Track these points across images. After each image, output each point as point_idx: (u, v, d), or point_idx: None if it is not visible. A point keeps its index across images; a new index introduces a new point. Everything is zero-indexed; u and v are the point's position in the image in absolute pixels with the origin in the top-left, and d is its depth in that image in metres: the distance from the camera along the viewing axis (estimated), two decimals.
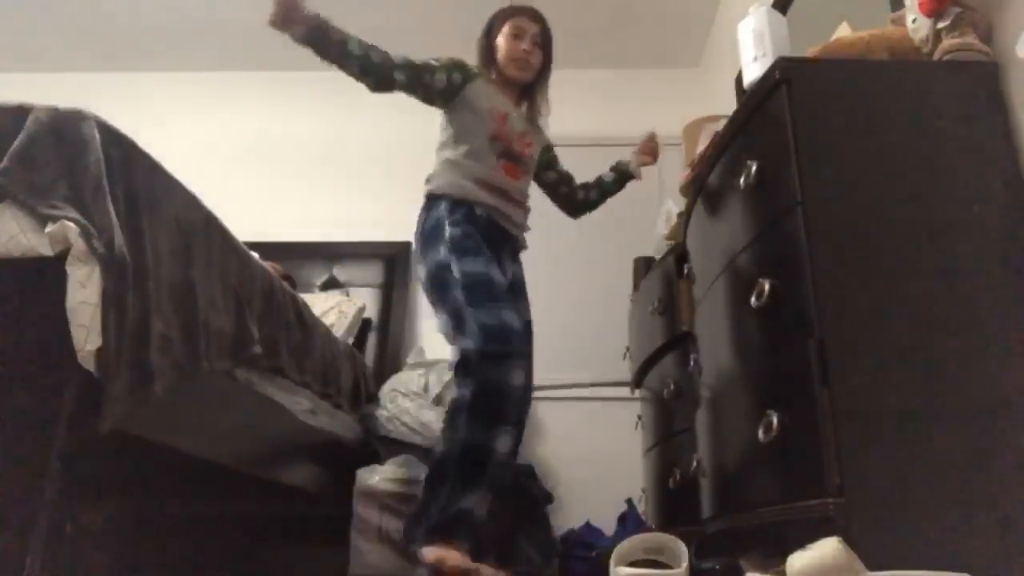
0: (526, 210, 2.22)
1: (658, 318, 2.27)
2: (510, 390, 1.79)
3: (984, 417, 1.10)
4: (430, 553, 1.66)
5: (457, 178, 2.06)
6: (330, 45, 2.02)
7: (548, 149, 2.42)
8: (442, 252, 1.95)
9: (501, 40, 2.20)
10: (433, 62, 2.08)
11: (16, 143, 1.14)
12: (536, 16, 2.23)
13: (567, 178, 2.48)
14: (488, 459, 1.75)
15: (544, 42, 2.23)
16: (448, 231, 1.97)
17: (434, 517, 1.72)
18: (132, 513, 1.57)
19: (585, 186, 2.50)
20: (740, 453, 1.39)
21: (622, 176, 2.49)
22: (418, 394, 2.74)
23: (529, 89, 2.27)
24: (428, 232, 2.03)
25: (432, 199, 2.08)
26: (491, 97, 2.14)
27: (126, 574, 1.49)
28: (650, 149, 2.47)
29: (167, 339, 1.31)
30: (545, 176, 2.44)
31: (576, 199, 2.49)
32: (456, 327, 1.88)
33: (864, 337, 1.14)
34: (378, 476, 2.40)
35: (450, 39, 2.44)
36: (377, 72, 2.05)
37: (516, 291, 2.16)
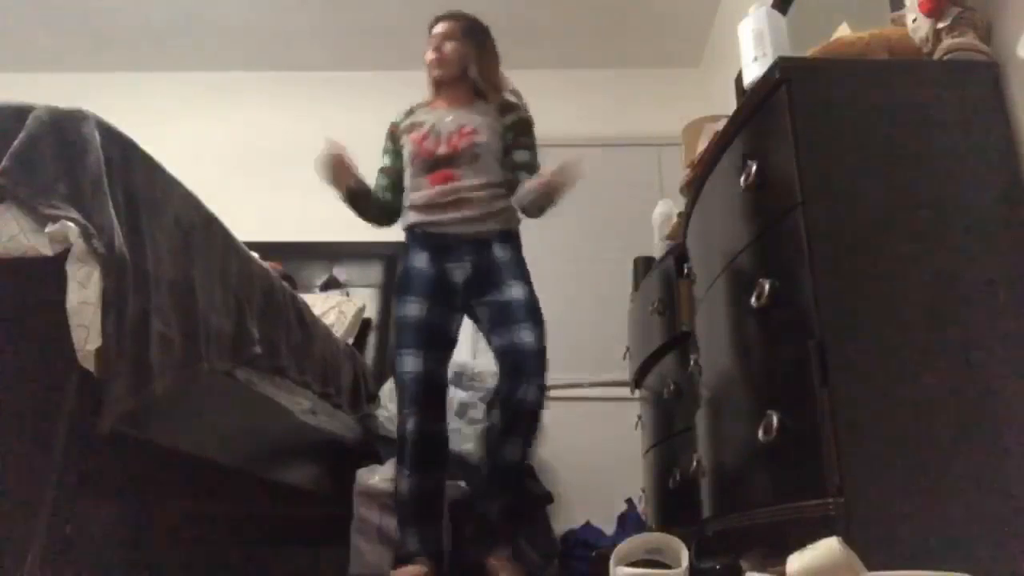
0: (479, 200, 2.13)
1: (658, 318, 2.27)
2: (404, 435, 2.01)
3: (984, 417, 1.10)
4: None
5: (404, 209, 2.25)
6: (361, 201, 2.29)
7: (510, 130, 2.24)
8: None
9: (427, 53, 2.30)
10: (381, 159, 2.35)
11: (16, 143, 1.14)
12: (448, 15, 2.29)
13: (515, 168, 2.23)
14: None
15: (460, 34, 2.25)
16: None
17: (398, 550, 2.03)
18: (132, 513, 1.57)
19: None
20: (740, 453, 1.39)
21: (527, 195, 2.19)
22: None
23: (472, 79, 2.27)
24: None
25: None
26: (412, 119, 2.28)
27: (126, 574, 1.49)
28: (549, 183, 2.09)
29: (167, 339, 1.31)
30: (508, 161, 2.25)
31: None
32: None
33: (864, 337, 1.14)
34: (378, 476, 2.40)
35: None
36: (389, 213, 2.33)
37: (489, 278, 2.12)
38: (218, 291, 1.54)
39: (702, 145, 2.13)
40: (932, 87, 1.30)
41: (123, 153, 1.27)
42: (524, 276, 2.15)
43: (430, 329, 2.08)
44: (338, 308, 3.11)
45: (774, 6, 2.25)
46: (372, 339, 3.38)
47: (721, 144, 1.52)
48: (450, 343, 2.16)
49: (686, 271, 1.94)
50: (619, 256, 3.11)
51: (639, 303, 2.56)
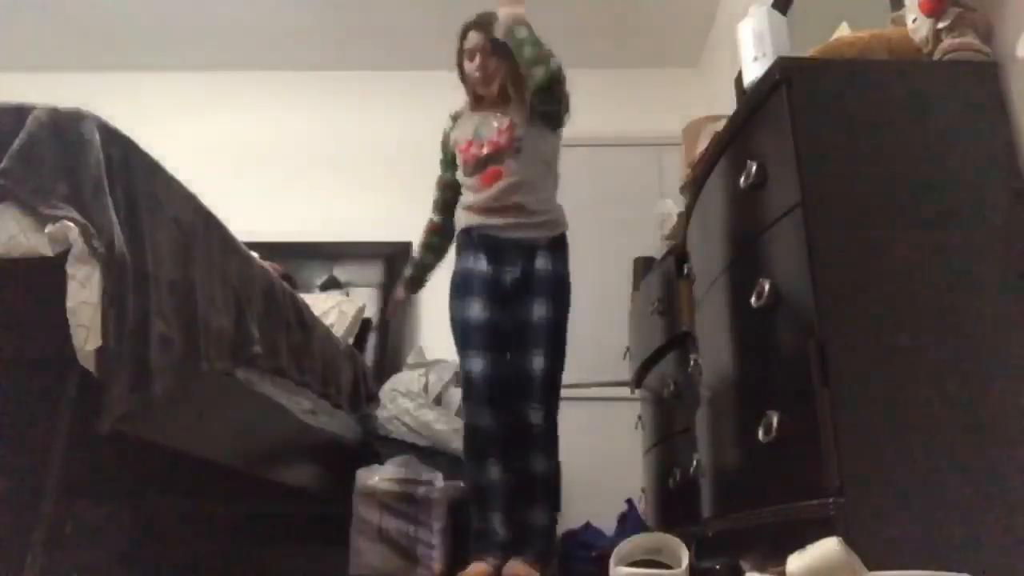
0: (528, 205, 2.20)
1: (658, 318, 2.27)
2: (475, 430, 2.11)
3: (984, 416, 1.10)
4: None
5: (459, 212, 2.32)
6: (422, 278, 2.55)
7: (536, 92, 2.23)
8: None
9: (464, 64, 2.32)
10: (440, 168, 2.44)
11: (16, 143, 1.14)
12: (480, 24, 2.29)
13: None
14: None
15: (497, 46, 2.25)
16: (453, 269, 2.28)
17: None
18: (132, 513, 1.57)
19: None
20: (740, 453, 1.39)
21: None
22: (418, 394, 2.74)
23: (512, 83, 2.29)
24: None
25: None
26: (458, 130, 2.34)
27: (126, 574, 1.49)
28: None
29: (167, 339, 1.31)
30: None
31: (524, 67, 2.24)
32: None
33: (864, 337, 1.13)
34: (378, 476, 2.40)
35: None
36: (439, 243, 2.49)
37: (527, 288, 2.18)
38: (218, 291, 1.54)
39: (702, 145, 2.13)
40: (932, 87, 1.30)
41: (123, 153, 1.27)
42: (558, 294, 2.21)
43: (494, 331, 2.15)
44: (338, 308, 3.11)
45: (774, 6, 2.25)
46: (372, 339, 3.38)
47: (721, 144, 1.52)
48: (507, 341, 2.22)
49: (686, 271, 1.94)
50: (619, 256, 3.11)
51: (639, 303, 2.56)
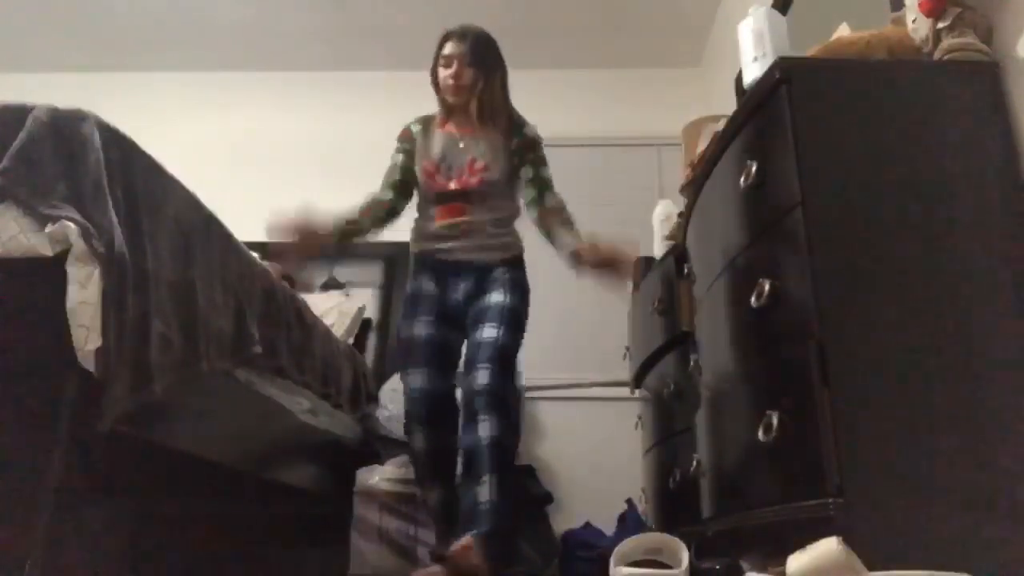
0: (485, 233, 2.20)
1: (658, 318, 2.27)
2: (412, 453, 2.12)
3: (984, 417, 1.10)
4: None
5: (414, 235, 2.31)
6: (349, 238, 2.30)
7: (519, 152, 2.26)
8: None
9: (439, 71, 2.27)
10: (393, 156, 2.34)
11: (16, 143, 1.14)
12: (462, 34, 2.24)
13: (527, 183, 2.28)
14: None
15: (474, 58, 2.21)
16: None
17: None
18: (132, 513, 1.57)
19: (547, 223, 2.23)
20: (740, 453, 1.39)
21: (568, 258, 2.18)
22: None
23: (484, 106, 2.24)
24: None
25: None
26: (426, 143, 2.28)
27: (126, 574, 1.49)
28: (606, 263, 2.08)
29: (167, 339, 1.31)
30: (522, 177, 2.29)
31: (531, 210, 2.29)
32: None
33: (864, 337, 1.14)
34: (378, 476, 2.41)
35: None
36: (382, 218, 2.32)
37: (482, 291, 2.16)
38: (218, 291, 1.54)
39: (702, 145, 2.13)
40: (932, 87, 1.30)
41: (123, 153, 1.26)
42: (514, 288, 2.17)
43: (437, 347, 2.14)
44: (338, 308, 3.11)
45: (774, 6, 2.25)
46: (372, 339, 3.39)
47: (721, 144, 1.52)
48: (457, 358, 2.22)
49: (686, 271, 1.94)
50: None
51: (639, 303, 2.56)
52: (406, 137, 2.34)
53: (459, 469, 2.11)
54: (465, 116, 2.27)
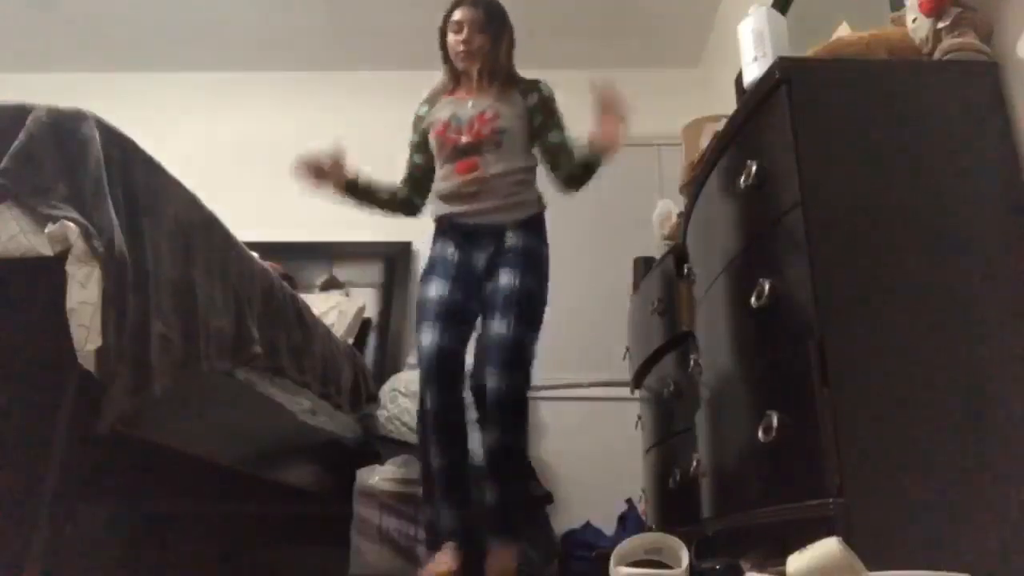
0: (501, 190, 2.17)
1: (658, 318, 2.26)
2: (419, 350, 2.07)
3: (984, 417, 1.10)
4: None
5: (432, 199, 2.31)
6: (368, 195, 2.37)
7: (536, 111, 2.27)
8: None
9: (448, 37, 2.27)
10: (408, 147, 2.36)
11: (16, 143, 1.14)
12: (472, 1, 2.24)
13: (551, 151, 2.27)
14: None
15: (485, 24, 2.22)
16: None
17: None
18: (132, 513, 1.57)
19: (569, 158, 2.26)
20: (740, 453, 1.39)
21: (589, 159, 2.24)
22: (418, 394, 2.74)
23: (490, 68, 2.27)
24: None
25: None
26: (434, 113, 2.28)
27: (126, 574, 1.49)
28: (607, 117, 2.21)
29: (167, 339, 1.31)
30: (541, 145, 2.29)
31: (558, 174, 2.28)
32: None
33: (864, 337, 1.13)
34: (378, 476, 2.40)
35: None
36: (400, 201, 2.38)
37: (498, 265, 2.14)
38: (218, 291, 1.54)
39: (702, 145, 2.13)
40: (932, 87, 1.30)
41: (123, 153, 1.27)
42: (527, 265, 2.13)
43: (449, 306, 2.10)
44: (338, 308, 3.11)
45: (774, 6, 2.25)
46: (372, 339, 3.39)
47: (721, 144, 1.52)
48: (469, 322, 2.16)
49: (686, 271, 1.94)
50: (619, 256, 3.11)
51: (639, 303, 2.55)
52: (416, 122, 2.36)
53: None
54: (473, 81, 2.27)
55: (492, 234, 2.17)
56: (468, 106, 2.23)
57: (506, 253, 2.14)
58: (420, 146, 2.33)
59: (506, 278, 2.09)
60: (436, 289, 2.12)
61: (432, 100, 2.34)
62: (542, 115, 2.27)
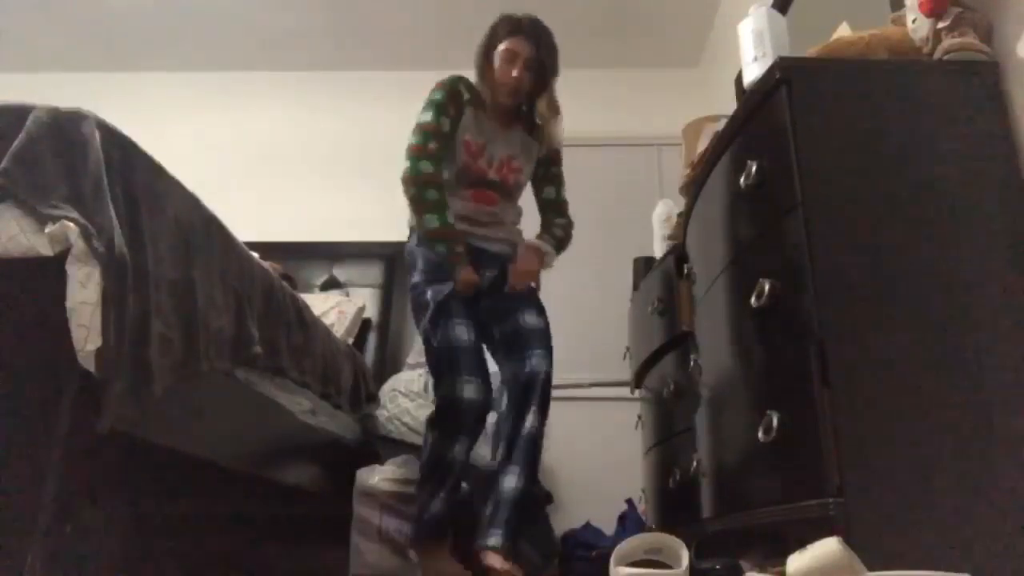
0: (507, 226, 2.28)
1: (658, 318, 2.26)
2: (458, 403, 2.01)
3: (984, 417, 1.10)
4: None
5: None
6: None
7: (544, 162, 2.33)
8: (415, 276, 2.18)
9: (496, 60, 2.16)
10: (438, 117, 2.13)
11: (16, 143, 1.14)
12: (533, 35, 2.15)
13: (541, 204, 2.38)
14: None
15: (538, 65, 2.15)
16: (419, 261, 2.17)
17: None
18: (132, 513, 1.57)
19: (555, 214, 2.38)
20: (740, 453, 1.39)
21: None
22: (418, 394, 2.74)
23: (527, 110, 2.26)
24: (406, 257, 2.26)
25: (412, 230, 2.25)
26: (471, 128, 2.18)
27: (126, 574, 1.49)
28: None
29: (167, 339, 1.31)
30: (537, 193, 2.40)
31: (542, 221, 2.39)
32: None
33: (864, 337, 1.14)
34: (378, 476, 2.40)
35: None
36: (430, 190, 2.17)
37: (495, 299, 2.21)
38: (218, 291, 1.54)
39: (702, 145, 2.13)
40: (932, 87, 1.30)
41: (123, 153, 1.26)
42: (539, 304, 2.25)
43: (479, 352, 2.11)
44: (338, 308, 3.11)
45: (774, 6, 2.25)
46: (372, 339, 3.38)
47: (721, 144, 1.52)
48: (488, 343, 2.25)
49: (686, 271, 1.94)
50: (619, 256, 3.11)
51: (639, 303, 2.55)
52: (455, 99, 2.16)
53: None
54: (509, 113, 2.24)
55: (498, 260, 2.23)
56: (502, 139, 2.23)
57: (517, 292, 2.20)
58: (454, 124, 2.16)
59: (530, 317, 2.18)
60: (464, 332, 2.07)
61: (474, 99, 2.19)
62: (544, 168, 2.36)
